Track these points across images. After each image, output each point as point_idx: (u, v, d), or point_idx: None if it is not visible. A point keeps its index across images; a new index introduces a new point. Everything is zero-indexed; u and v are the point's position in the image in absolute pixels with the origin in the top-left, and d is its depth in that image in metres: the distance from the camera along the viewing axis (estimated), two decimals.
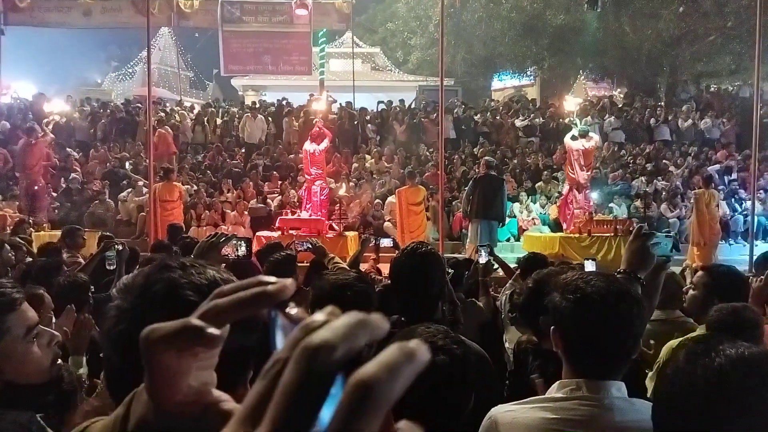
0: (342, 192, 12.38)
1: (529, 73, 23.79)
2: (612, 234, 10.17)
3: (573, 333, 1.44)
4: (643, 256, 1.79)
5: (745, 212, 12.25)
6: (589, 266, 3.70)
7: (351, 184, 13.29)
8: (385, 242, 6.00)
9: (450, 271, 3.69)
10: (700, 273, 3.05)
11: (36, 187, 11.19)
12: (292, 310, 0.47)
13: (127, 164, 13.82)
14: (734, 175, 13.92)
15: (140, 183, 12.32)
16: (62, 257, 5.01)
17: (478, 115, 17.09)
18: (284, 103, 17.85)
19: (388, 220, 11.97)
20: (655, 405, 1.18)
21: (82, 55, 31.36)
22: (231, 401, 0.61)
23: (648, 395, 2.24)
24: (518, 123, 16.60)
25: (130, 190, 12.62)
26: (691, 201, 11.40)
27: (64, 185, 12.86)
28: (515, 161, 14.62)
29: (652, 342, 2.78)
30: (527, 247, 10.12)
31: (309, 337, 0.37)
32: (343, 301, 2.00)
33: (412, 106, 18.88)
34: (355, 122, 16.44)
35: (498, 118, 16.89)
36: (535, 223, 12.18)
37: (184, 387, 0.58)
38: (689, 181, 13.53)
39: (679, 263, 7.21)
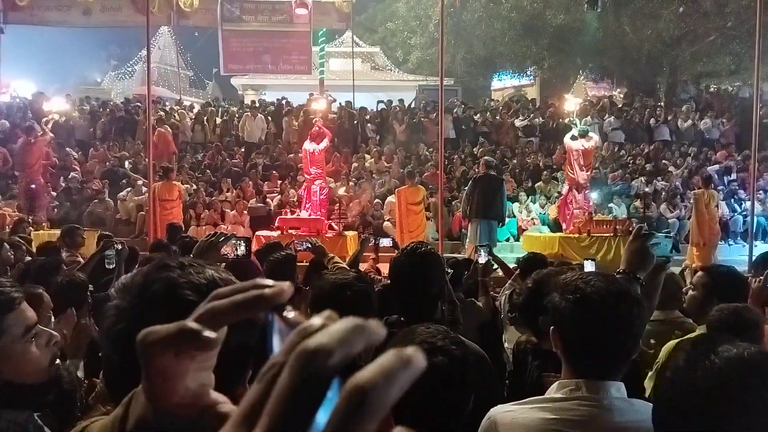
0: (341, 191, 12.39)
1: (528, 73, 23.80)
2: (611, 234, 10.17)
3: (572, 333, 1.44)
4: (643, 256, 1.79)
5: (744, 212, 12.25)
6: (589, 266, 3.69)
7: (350, 183, 13.29)
8: (385, 242, 5.98)
9: (449, 271, 3.69)
10: (699, 273, 3.05)
11: (35, 186, 11.18)
12: (290, 313, 0.47)
13: (126, 163, 13.81)
14: (734, 176, 13.93)
15: (140, 182, 12.31)
16: (61, 256, 5.01)
17: (478, 115, 17.09)
18: (284, 102, 17.85)
19: (388, 220, 11.98)
20: (656, 405, 1.18)
21: (81, 53, 31.36)
22: (228, 403, 0.61)
23: (646, 395, 2.25)
24: (518, 123, 16.61)
25: (129, 189, 12.61)
26: (691, 201, 11.41)
27: (63, 184, 12.85)
28: (515, 161, 14.62)
29: (653, 342, 2.77)
30: (527, 247, 10.12)
31: (305, 341, 0.37)
32: (342, 300, 1.99)
33: (412, 105, 18.89)
34: (355, 122, 16.44)
35: (498, 117, 16.90)
36: (534, 223, 12.18)
37: (181, 389, 0.58)
38: (689, 181, 13.53)
39: (678, 263, 7.22)
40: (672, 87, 20.30)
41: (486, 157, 11.23)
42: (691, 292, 3.00)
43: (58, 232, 6.88)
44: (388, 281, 2.85)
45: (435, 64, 14.63)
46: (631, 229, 8.37)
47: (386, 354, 0.35)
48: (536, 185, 13.29)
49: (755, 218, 10.66)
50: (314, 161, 10.84)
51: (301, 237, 7.41)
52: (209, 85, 31.88)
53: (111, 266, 3.91)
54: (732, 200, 12.93)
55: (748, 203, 10.91)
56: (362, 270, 4.84)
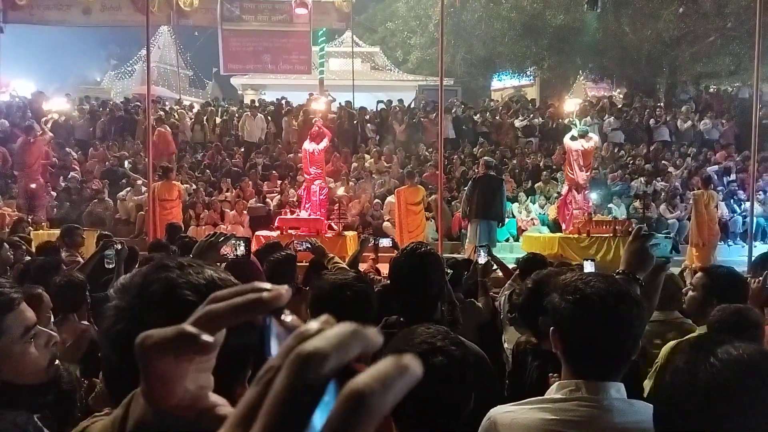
0: (341, 192, 12.38)
1: (528, 73, 23.81)
2: (611, 235, 10.17)
3: (572, 334, 1.44)
4: (643, 257, 1.78)
5: (744, 213, 12.26)
6: (588, 267, 3.69)
7: (350, 183, 13.29)
8: (384, 242, 5.99)
9: (449, 271, 3.69)
10: (699, 274, 3.05)
11: (35, 186, 11.17)
12: (287, 317, 0.47)
13: (126, 163, 13.80)
14: (733, 176, 13.93)
15: (139, 182, 12.31)
16: (61, 256, 5.01)
17: (478, 115, 17.09)
18: (284, 102, 17.84)
19: (387, 220, 11.98)
20: (656, 405, 1.18)
21: (81, 53, 31.37)
22: (227, 406, 0.61)
23: (644, 395, 2.25)
24: (518, 123, 16.61)
25: (129, 188, 12.61)
26: (690, 202, 11.41)
27: (63, 184, 12.85)
28: (514, 161, 14.63)
29: (658, 342, 2.77)
30: (526, 248, 10.12)
31: (302, 344, 0.37)
32: (342, 301, 1.99)
33: (412, 105, 18.88)
34: (355, 122, 16.44)
35: (497, 118, 16.90)
36: (534, 224, 12.18)
37: (180, 391, 0.58)
38: (688, 182, 13.54)
39: (678, 264, 7.22)
40: (672, 87, 20.31)
41: (486, 158, 11.22)
42: (690, 293, 3.00)
43: (57, 231, 6.88)
44: (388, 281, 2.85)
45: (435, 64, 14.63)
46: (630, 229, 8.39)
47: (384, 361, 0.35)
48: (536, 186, 13.29)
49: (755, 219, 10.66)
50: (314, 161, 10.83)
51: (300, 237, 7.41)
52: (209, 85, 31.87)
53: (110, 266, 3.91)
54: (731, 201, 12.94)
55: (748, 204, 10.91)
56: (362, 270, 4.84)
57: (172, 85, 26.82)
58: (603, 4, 16.16)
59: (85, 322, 3.17)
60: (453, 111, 16.56)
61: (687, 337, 2.59)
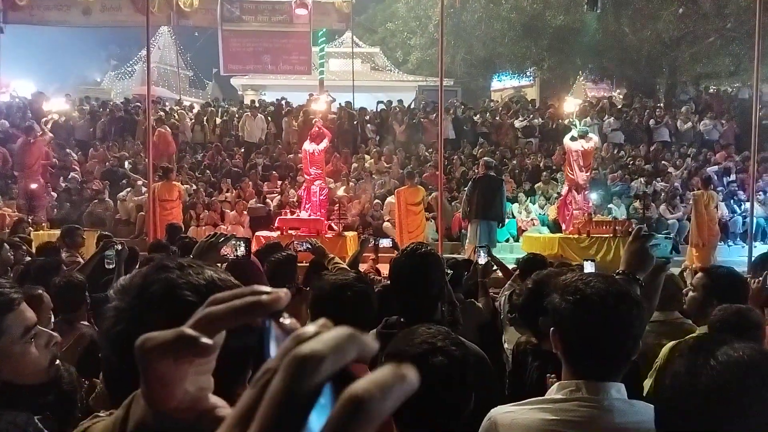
0: (341, 192, 12.38)
1: (528, 73, 23.80)
2: (611, 235, 10.17)
3: (572, 334, 1.44)
4: (643, 257, 1.78)
5: (744, 213, 12.25)
6: (588, 267, 3.69)
7: (350, 184, 13.29)
8: (384, 242, 5.98)
9: (449, 271, 3.69)
10: (699, 275, 3.05)
11: (35, 186, 11.18)
12: (286, 320, 0.47)
13: (126, 163, 13.81)
14: (733, 177, 13.93)
15: (139, 182, 12.31)
16: (61, 257, 5.01)
17: (478, 116, 17.10)
18: (284, 102, 17.85)
19: (388, 221, 11.98)
20: (657, 405, 1.18)
21: (81, 53, 31.37)
22: (227, 407, 0.61)
23: (644, 395, 2.25)
24: (517, 123, 16.61)
25: (129, 189, 12.61)
26: (690, 202, 11.41)
27: (63, 184, 12.85)
28: (514, 162, 14.63)
29: (658, 342, 2.77)
30: (526, 248, 10.12)
31: (298, 347, 0.37)
32: (342, 301, 2.00)
33: (412, 106, 18.89)
34: (355, 122, 16.45)
35: (497, 118, 16.90)
36: (534, 224, 12.18)
37: (179, 393, 0.58)
38: (688, 182, 13.54)
39: (678, 265, 7.22)
40: (671, 88, 20.31)
41: (485, 158, 11.23)
42: (690, 293, 3.00)
43: (57, 232, 6.87)
44: (388, 282, 2.85)
45: (435, 65, 14.64)
46: (630, 230, 8.39)
47: (383, 368, 0.36)
48: (536, 186, 13.29)
49: (755, 219, 10.66)
50: (314, 162, 10.84)
51: (300, 237, 7.41)
52: (209, 85, 31.88)
53: (111, 266, 3.91)
54: (731, 201, 12.93)
55: (748, 204, 10.91)
56: (362, 270, 4.84)
57: (172, 86, 26.82)
58: (603, 5, 16.14)
59: (85, 323, 3.17)
60: (453, 111, 16.56)
61: (687, 337, 2.59)
